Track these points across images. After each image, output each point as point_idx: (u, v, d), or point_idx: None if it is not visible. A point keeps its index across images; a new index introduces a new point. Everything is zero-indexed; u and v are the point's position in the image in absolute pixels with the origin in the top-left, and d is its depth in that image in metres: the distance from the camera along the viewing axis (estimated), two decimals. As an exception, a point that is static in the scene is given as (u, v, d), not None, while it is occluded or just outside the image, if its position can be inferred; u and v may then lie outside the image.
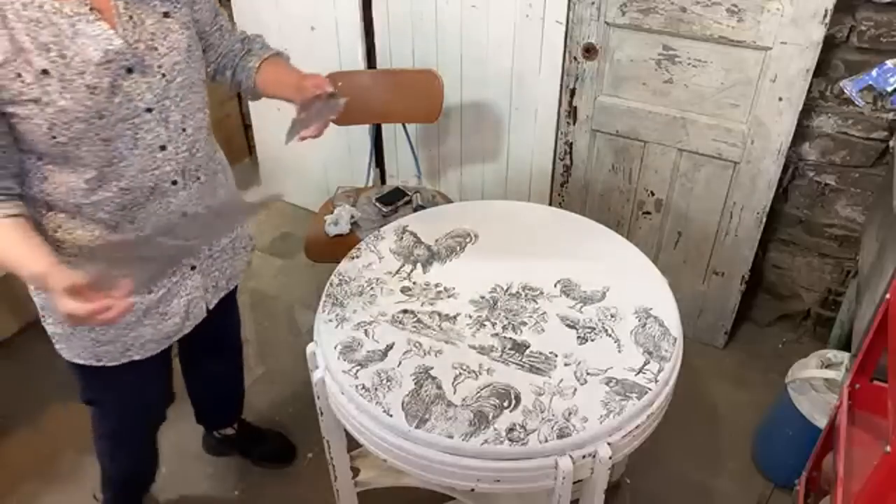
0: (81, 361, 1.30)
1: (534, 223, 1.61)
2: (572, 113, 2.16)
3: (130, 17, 1.10)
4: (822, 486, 1.54)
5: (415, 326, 1.29)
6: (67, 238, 1.18)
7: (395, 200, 2.15)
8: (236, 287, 1.52)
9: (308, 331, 2.37)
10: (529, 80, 2.19)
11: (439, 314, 1.32)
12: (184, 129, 1.20)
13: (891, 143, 1.85)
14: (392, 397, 1.14)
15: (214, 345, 1.64)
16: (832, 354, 1.74)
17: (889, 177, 1.65)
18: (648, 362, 1.21)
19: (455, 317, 1.31)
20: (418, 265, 1.45)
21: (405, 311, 1.33)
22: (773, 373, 2.09)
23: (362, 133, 2.50)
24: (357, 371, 1.19)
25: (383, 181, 2.73)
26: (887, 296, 1.21)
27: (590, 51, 2.02)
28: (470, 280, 1.40)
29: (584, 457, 1.08)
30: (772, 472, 1.88)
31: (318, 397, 1.29)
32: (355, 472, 1.56)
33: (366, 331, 1.28)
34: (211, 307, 1.40)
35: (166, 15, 1.15)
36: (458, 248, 1.51)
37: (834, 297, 2.20)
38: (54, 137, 1.05)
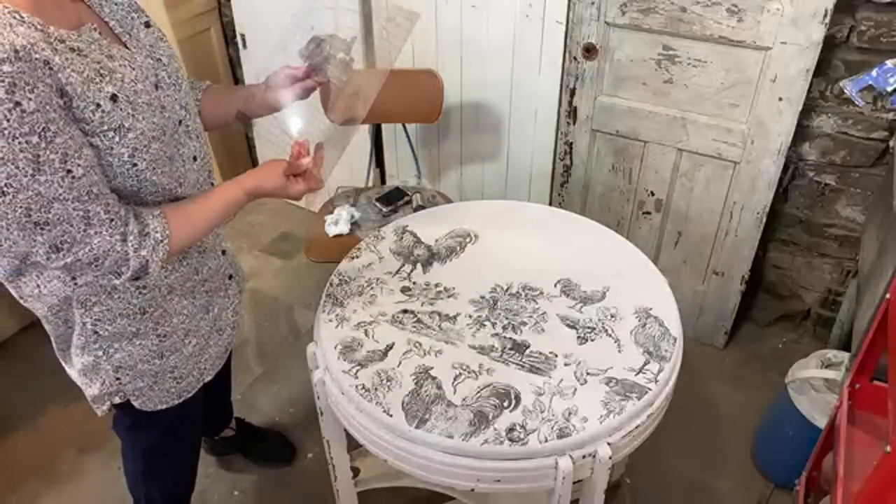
0: (164, 406, 1.27)
1: (534, 223, 1.61)
2: (572, 113, 2.16)
3: (129, 35, 1.07)
4: (822, 486, 1.54)
5: (415, 326, 1.29)
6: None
7: (395, 200, 2.15)
8: None
9: (308, 331, 2.38)
10: (529, 80, 2.19)
11: (439, 314, 1.32)
12: (198, 136, 1.20)
13: (891, 143, 1.85)
14: (392, 397, 1.14)
15: None
16: (832, 354, 1.74)
17: (889, 177, 1.65)
18: (648, 362, 1.21)
19: (455, 317, 1.31)
20: (418, 265, 1.45)
21: (405, 311, 1.33)
22: (773, 373, 2.09)
23: (362, 133, 2.50)
24: (357, 371, 1.19)
25: (383, 181, 2.73)
26: (887, 296, 1.21)
27: (590, 51, 2.02)
28: (470, 280, 1.40)
29: (584, 457, 1.08)
30: (772, 472, 1.88)
31: (318, 397, 1.29)
32: (355, 472, 1.56)
33: (366, 331, 1.28)
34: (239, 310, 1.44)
35: (147, 25, 1.12)
36: (458, 248, 1.51)
37: (834, 297, 2.20)
38: (135, 165, 1.02)
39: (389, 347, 1.24)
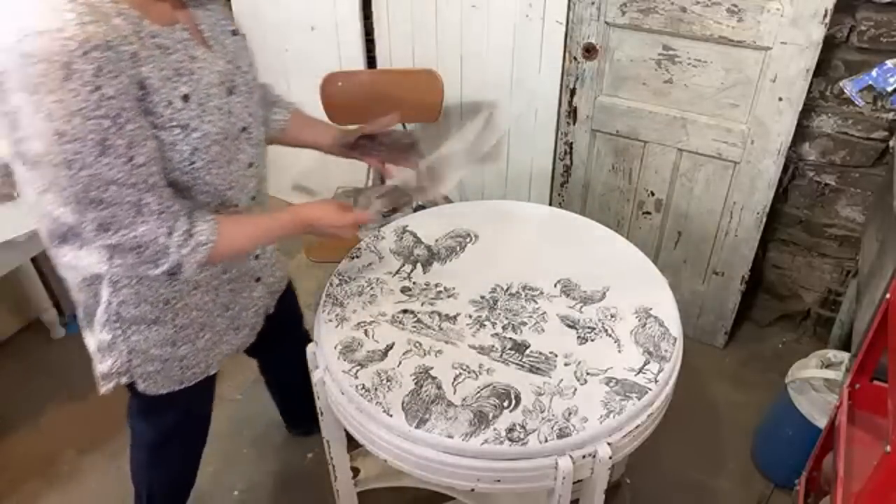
0: (165, 391, 1.30)
1: (534, 223, 1.61)
2: (572, 113, 2.16)
3: (215, 39, 1.13)
4: (822, 486, 1.54)
5: (415, 326, 1.29)
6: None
7: (395, 200, 2.15)
8: (289, 282, 1.57)
9: (308, 331, 2.38)
10: (529, 80, 2.19)
11: (439, 314, 1.32)
12: (258, 144, 1.23)
13: (891, 143, 1.85)
14: (392, 397, 1.14)
15: (279, 337, 1.61)
16: (832, 354, 1.74)
17: (889, 177, 1.65)
18: (648, 362, 1.21)
19: (455, 317, 1.31)
20: (418, 265, 1.45)
21: (405, 311, 1.32)
22: (773, 373, 2.09)
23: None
24: (357, 371, 1.19)
25: (383, 181, 2.73)
26: (887, 296, 1.21)
27: (590, 51, 2.02)
28: (470, 280, 1.40)
29: (584, 457, 1.08)
30: (772, 472, 1.88)
31: (318, 397, 1.29)
32: (355, 472, 1.56)
33: (366, 331, 1.28)
34: (271, 311, 1.46)
35: (234, 33, 1.18)
36: (458, 248, 1.51)
37: (834, 297, 2.20)
38: (193, 163, 1.06)
39: (389, 347, 1.24)
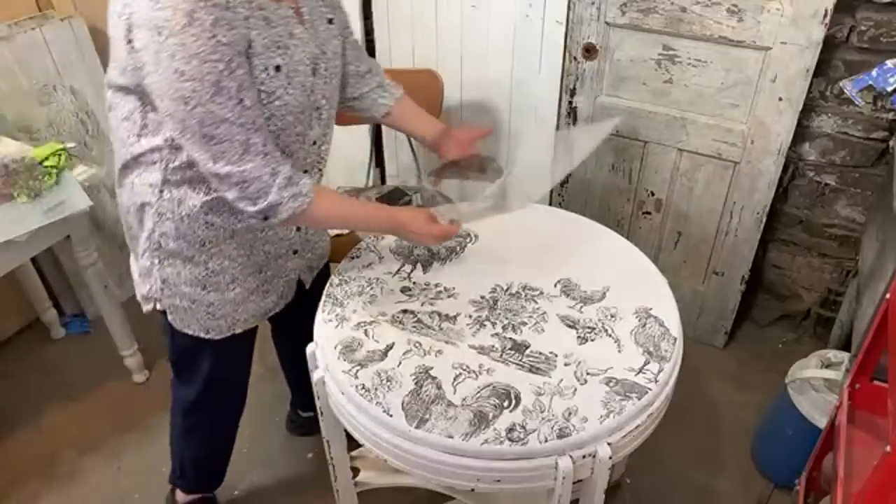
0: (191, 332, 1.37)
1: (534, 223, 1.61)
2: (572, 113, 2.16)
3: (312, 23, 1.21)
4: (822, 486, 1.54)
5: (415, 326, 1.29)
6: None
7: (395, 200, 2.15)
8: (328, 263, 1.62)
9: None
10: (529, 80, 2.19)
11: (439, 314, 1.32)
12: (327, 125, 1.31)
13: (891, 143, 1.85)
14: (392, 397, 1.14)
15: (308, 314, 1.62)
16: (832, 354, 1.74)
17: (889, 177, 1.65)
18: (648, 362, 1.21)
19: (455, 317, 1.31)
20: (418, 265, 1.45)
21: (405, 311, 1.32)
22: (773, 373, 2.09)
23: (362, 133, 2.50)
24: (357, 371, 1.19)
25: (383, 181, 2.73)
26: (887, 296, 1.21)
27: (590, 51, 2.02)
28: (470, 280, 1.40)
29: (584, 457, 1.08)
30: (772, 472, 1.88)
31: (318, 397, 1.29)
32: (355, 472, 1.56)
33: (366, 331, 1.28)
34: (308, 286, 1.52)
35: (330, 21, 1.26)
36: (458, 248, 1.51)
37: (834, 297, 2.20)
38: (266, 126, 1.14)
39: (389, 347, 1.24)
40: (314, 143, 1.28)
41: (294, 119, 1.19)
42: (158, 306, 1.35)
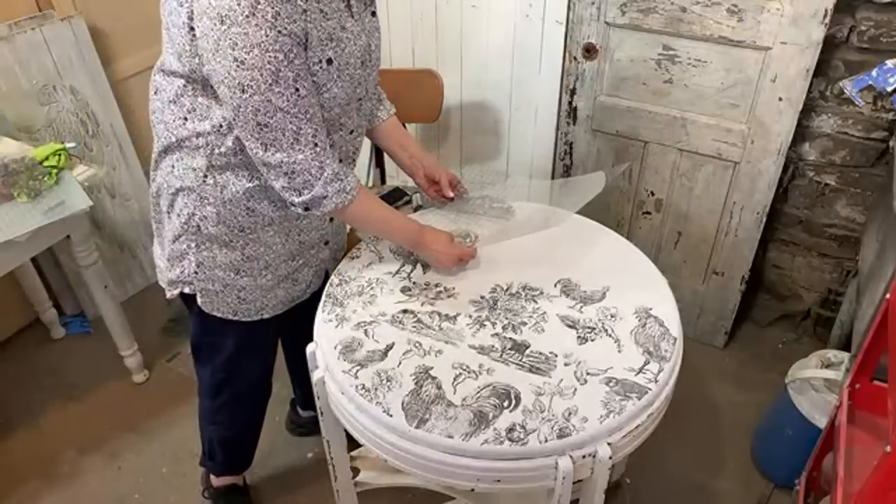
0: (219, 315, 1.40)
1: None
2: (572, 113, 2.16)
3: (359, 15, 1.23)
4: (822, 486, 1.54)
5: (415, 326, 1.29)
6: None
7: (395, 200, 2.15)
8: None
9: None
10: (529, 80, 2.19)
11: (439, 314, 1.32)
12: (365, 116, 1.34)
13: (891, 143, 1.85)
14: (392, 397, 1.14)
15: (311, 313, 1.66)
16: (832, 354, 1.74)
17: (889, 177, 1.65)
18: (648, 362, 1.21)
19: (455, 317, 1.31)
20: (418, 265, 1.45)
21: (405, 311, 1.32)
22: (773, 373, 2.09)
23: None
24: (357, 371, 1.19)
25: (383, 181, 2.73)
26: (887, 296, 1.21)
27: (590, 51, 2.02)
28: (470, 280, 1.40)
29: (584, 457, 1.08)
30: (772, 472, 1.88)
31: (318, 397, 1.29)
32: (355, 472, 1.56)
33: (366, 331, 1.28)
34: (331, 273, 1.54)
35: (373, 14, 1.30)
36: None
37: (834, 297, 2.20)
38: None
39: (389, 347, 1.24)
40: (351, 132, 1.31)
41: (340, 110, 1.22)
42: (188, 290, 1.37)
